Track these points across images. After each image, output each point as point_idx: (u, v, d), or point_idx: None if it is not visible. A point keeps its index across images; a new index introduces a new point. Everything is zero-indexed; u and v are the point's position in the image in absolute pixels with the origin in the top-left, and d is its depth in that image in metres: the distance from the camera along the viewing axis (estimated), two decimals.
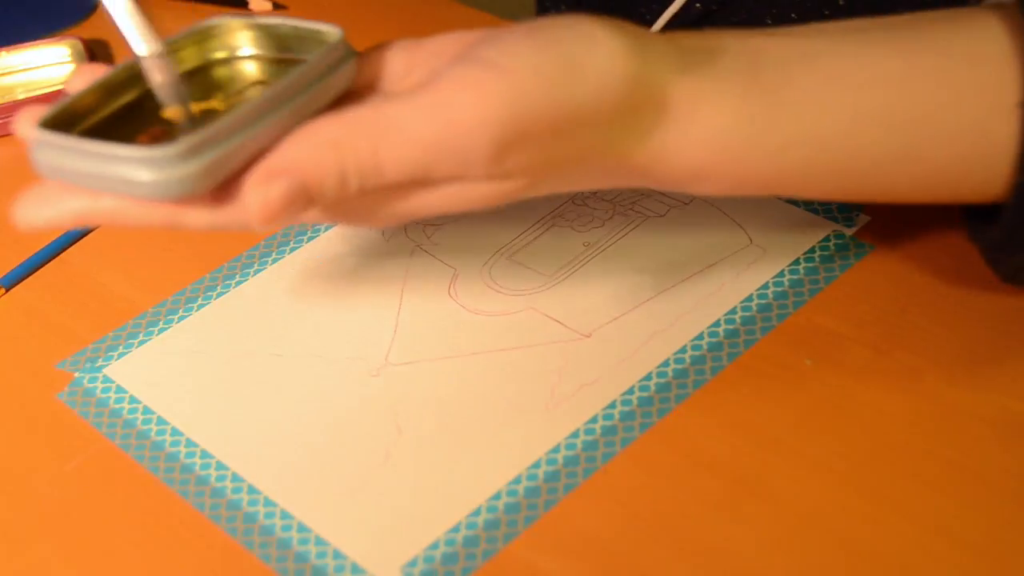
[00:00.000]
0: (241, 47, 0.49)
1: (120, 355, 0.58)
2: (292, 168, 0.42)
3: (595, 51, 0.43)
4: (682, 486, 0.49)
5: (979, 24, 0.47)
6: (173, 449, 0.53)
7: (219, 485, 0.51)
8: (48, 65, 0.79)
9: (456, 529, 0.48)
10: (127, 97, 0.47)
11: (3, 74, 0.79)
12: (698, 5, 0.68)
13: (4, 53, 0.79)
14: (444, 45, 0.47)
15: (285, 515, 0.50)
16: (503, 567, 0.47)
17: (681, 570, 0.46)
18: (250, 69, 0.49)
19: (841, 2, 0.63)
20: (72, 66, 0.79)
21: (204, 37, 0.49)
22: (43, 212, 0.45)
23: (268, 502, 0.51)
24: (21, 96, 0.76)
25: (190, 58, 0.49)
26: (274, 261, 0.61)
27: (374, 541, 0.49)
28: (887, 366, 0.52)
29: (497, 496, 0.49)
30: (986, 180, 0.47)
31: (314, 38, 0.47)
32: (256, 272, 0.61)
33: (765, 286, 0.56)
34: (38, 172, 0.44)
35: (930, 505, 0.47)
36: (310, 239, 0.62)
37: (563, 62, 0.43)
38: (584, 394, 0.53)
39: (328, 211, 0.45)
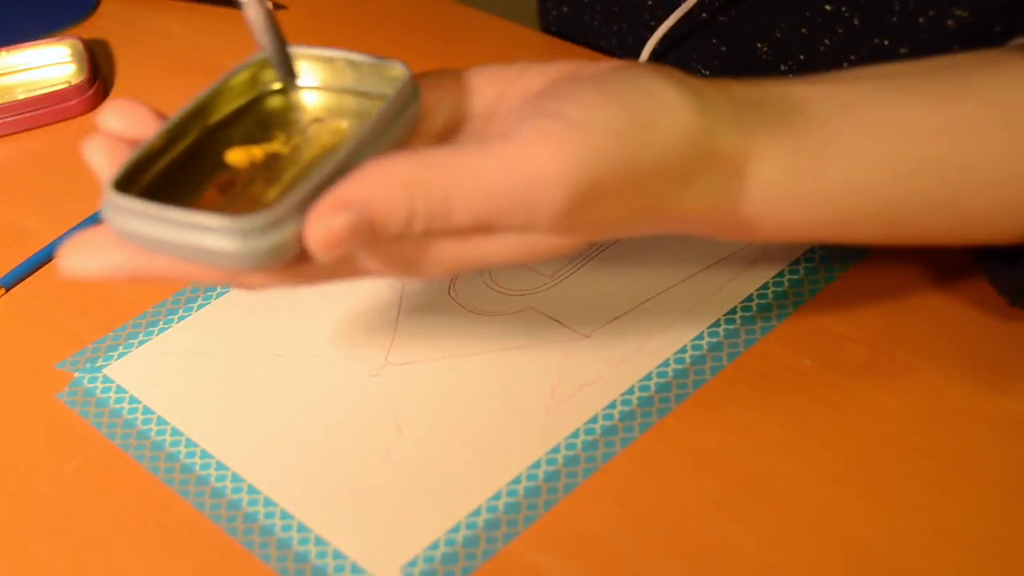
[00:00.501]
0: (298, 78, 0.47)
1: (120, 355, 0.58)
2: (361, 202, 0.41)
3: (664, 109, 0.43)
4: (682, 486, 0.49)
5: (1011, 70, 0.47)
6: (173, 449, 0.53)
7: (219, 485, 0.52)
8: (48, 65, 0.79)
9: (456, 529, 0.48)
10: (189, 138, 0.45)
11: (3, 74, 0.79)
12: (704, 15, 0.67)
13: (4, 53, 0.79)
14: (489, 77, 0.46)
15: (285, 515, 0.50)
16: (503, 567, 0.47)
17: (681, 570, 0.46)
18: (308, 101, 0.47)
19: (856, 21, 0.63)
20: (72, 67, 0.79)
21: (260, 68, 0.47)
22: (93, 262, 0.43)
23: (268, 502, 0.51)
24: (21, 96, 0.76)
25: (245, 91, 0.47)
26: None
27: (374, 541, 0.49)
28: (887, 366, 0.52)
29: (497, 496, 0.49)
30: (1022, 224, 0.47)
31: (377, 72, 0.46)
32: None
33: (765, 286, 0.56)
34: (111, 231, 0.42)
35: (930, 505, 0.47)
36: None
37: (636, 121, 0.42)
38: (584, 394, 0.53)
39: (383, 254, 0.44)
